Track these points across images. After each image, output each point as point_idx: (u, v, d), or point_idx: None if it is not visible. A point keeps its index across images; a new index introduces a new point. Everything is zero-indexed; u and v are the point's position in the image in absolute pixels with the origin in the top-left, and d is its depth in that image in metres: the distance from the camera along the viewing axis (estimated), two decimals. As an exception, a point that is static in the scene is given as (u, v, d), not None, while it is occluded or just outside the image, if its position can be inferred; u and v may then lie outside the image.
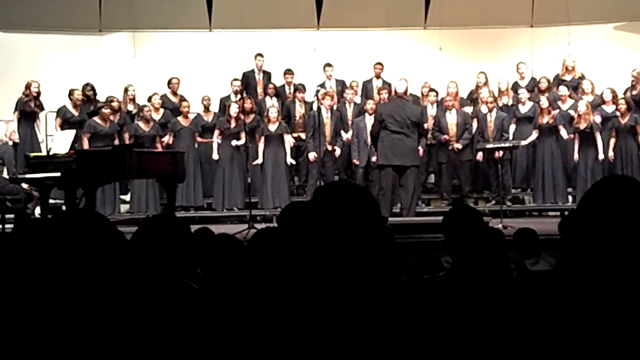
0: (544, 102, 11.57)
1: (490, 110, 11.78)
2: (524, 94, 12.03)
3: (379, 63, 12.87)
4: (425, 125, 10.97)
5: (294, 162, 11.89)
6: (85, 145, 10.92)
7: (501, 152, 10.97)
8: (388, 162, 9.88)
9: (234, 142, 11.61)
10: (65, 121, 11.41)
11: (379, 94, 12.01)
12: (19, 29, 13.15)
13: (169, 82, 12.51)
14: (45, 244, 2.26)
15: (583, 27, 13.53)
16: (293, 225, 3.33)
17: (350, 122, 12.07)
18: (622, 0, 13.52)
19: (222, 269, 3.54)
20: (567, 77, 12.52)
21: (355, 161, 11.76)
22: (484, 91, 12.10)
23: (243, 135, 11.53)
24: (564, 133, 11.49)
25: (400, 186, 10.17)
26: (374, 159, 11.53)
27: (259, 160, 11.69)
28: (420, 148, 11.67)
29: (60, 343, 2.09)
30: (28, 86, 11.52)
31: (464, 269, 3.20)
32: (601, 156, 11.30)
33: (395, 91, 10.58)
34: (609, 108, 11.61)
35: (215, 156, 11.72)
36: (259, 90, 12.74)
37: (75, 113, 11.56)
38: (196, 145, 11.93)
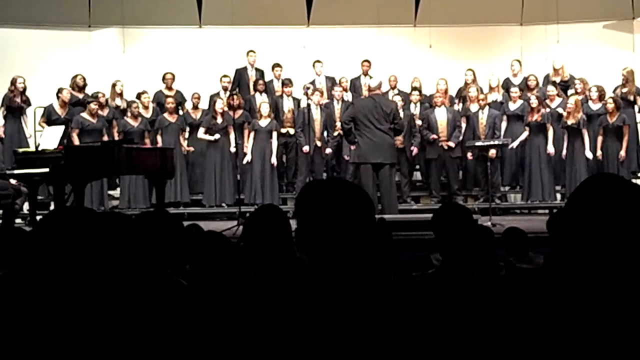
0: (533, 101, 11.58)
1: (482, 108, 11.79)
2: (515, 91, 12.05)
3: (366, 60, 12.92)
4: (399, 121, 10.89)
5: (275, 162, 11.82)
6: (75, 141, 10.90)
7: (493, 151, 11.03)
8: (366, 159, 9.85)
9: (232, 149, 11.56)
10: (52, 122, 11.23)
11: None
12: (7, 24, 13.08)
13: (163, 78, 12.50)
14: (40, 242, 2.26)
15: (572, 25, 13.56)
16: (261, 227, 3.34)
17: (338, 119, 12.07)
18: (611, -1, 13.59)
19: (210, 267, 3.53)
20: (556, 79, 12.56)
21: (346, 157, 11.74)
22: (472, 89, 12.11)
23: (231, 129, 11.55)
24: (551, 132, 11.52)
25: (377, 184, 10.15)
26: (346, 157, 11.54)
27: (248, 158, 11.68)
28: (414, 148, 11.72)
29: (51, 339, 2.08)
30: (13, 82, 11.47)
31: (453, 266, 3.21)
32: (588, 154, 11.35)
33: (368, 87, 10.57)
34: (595, 106, 11.66)
35: (212, 137, 11.65)
36: (251, 86, 12.73)
37: (62, 114, 11.47)
38: (184, 149, 11.90)
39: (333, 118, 12.01)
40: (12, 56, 12.77)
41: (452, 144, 11.73)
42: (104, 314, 2.16)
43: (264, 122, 11.76)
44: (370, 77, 12.54)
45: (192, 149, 11.89)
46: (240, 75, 12.78)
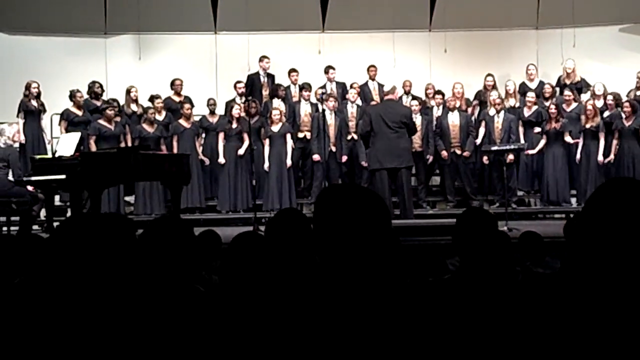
0: (553, 110, 11.56)
1: (498, 112, 11.78)
2: (531, 97, 12.03)
3: (372, 66, 12.95)
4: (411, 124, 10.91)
5: (290, 163, 11.83)
6: (93, 148, 10.97)
7: (511, 155, 11.03)
8: (382, 165, 9.82)
9: (240, 152, 11.61)
10: (70, 122, 11.44)
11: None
12: (25, 31, 13.18)
13: (172, 83, 12.54)
14: (57, 248, 2.26)
15: (588, 29, 13.50)
16: (282, 232, 3.33)
17: (352, 123, 12.05)
18: (627, 2, 13.49)
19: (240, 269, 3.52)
20: (568, 81, 12.53)
21: (364, 163, 11.71)
22: (494, 93, 12.07)
23: (246, 136, 11.58)
24: (568, 139, 11.51)
25: (393, 189, 10.13)
26: (363, 163, 11.50)
27: (267, 165, 11.70)
28: (429, 156, 11.71)
29: (67, 346, 2.09)
30: (28, 86, 11.57)
31: (471, 271, 3.19)
32: (600, 158, 11.32)
33: (383, 92, 10.57)
34: (610, 112, 11.63)
35: (221, 160, 11.72)
36: (265, 92, 12.76)
37: (79, 113, 11.60)
38: (200, 150, 11.93)
39: (346, 122, 12.02)
40: (28, 63, 12.84)
41: (467, 154, 11.76)
42: (119, 320, 2.16)
43: (276, 128, 11.77)
44: (380, 84, 12.54)
45: (207, 161, 11.92)
46: (253, 81, 12.81)
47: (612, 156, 11.36)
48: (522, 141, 11.64)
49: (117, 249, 2.26)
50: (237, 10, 13.67)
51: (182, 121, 11.83)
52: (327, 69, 12.83)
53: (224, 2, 13.73)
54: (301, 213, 3.62)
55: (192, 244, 2.82)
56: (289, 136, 11.81)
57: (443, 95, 12.40)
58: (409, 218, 9.98)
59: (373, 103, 12.06)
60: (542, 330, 1.90)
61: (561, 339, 1.86)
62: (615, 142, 11.38)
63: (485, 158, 11.80)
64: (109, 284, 2.21)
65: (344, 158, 11.90)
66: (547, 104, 11.93)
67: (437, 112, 12.20)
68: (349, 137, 11.96)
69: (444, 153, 11.76)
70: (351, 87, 12.51)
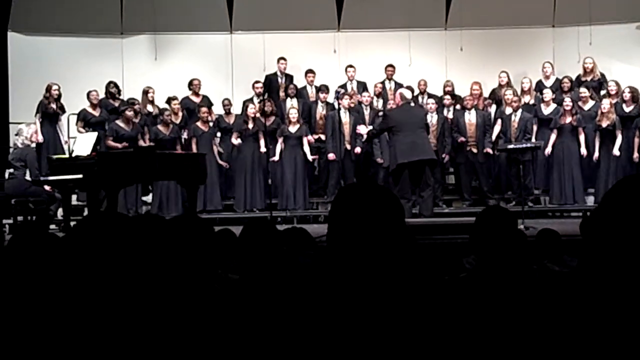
0: (568, 103, 11.50)
1: (515, 110, 11.73)
2: (548, 94, 11.96)
3: (390, 65, 12.93)
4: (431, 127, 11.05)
5: (310, 158, 11.86)
6: (111, 150, 11.04)
7: (528, 154, 11.00)
8: (408, 159, 9.87)
9: (262, 149, 11.62)
10: (87, 123, 11.51)
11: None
12: (41, 32, 13.23)
13: (190, 83, 12.57)
14: (74, 248, 2.28)
15: (605, 26, 13.41)
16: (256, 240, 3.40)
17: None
18: (644, -1, 13.41)
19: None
20: (587, 78, 12.45)
21: (379, 160, 11.71)
22: (509, 92, 12.01)
23: (261, 136, 11.60)
24: (582, 136, 11.45)
25: (417, 187, 10.14)
26: (379, 160, 11.54)
27: (276, 158, 11.69)
28: (445, 155, 11.73)
29: (82, 345, 2.10)
30: (48, 89, 11.63)
31: (489, 269, 3.18)
32: (616, 152, 11.24)
33: (404, 97, 10.63)
34: (628, 107, 11.54)
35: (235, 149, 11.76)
36: (281, 93, 12.77)
37: (96, 113, 11.67)
38: (217, 151, 11.95)
39: (363, 119, 12.00)
40: (45, 64, 12.91)
41: (489, 151, 11.75)
42: (136, 319, 2.17)
43: (293, 128, 11.79)
44: (397, 83, 12.52)
45: (226, 165, 11.95)
46: (271, 81, 12.83)
47: (636, 154, 11.28)
48: (538, 140, 11.58)
49: (134, 249, 2.27)
50: (252, 10, 13.69)
51: (199, 124, 11.87)
52: (347, 68, 12.83)
53: (239, 2, 13.75)
54: (271, 223, 3.75)
55: (211, 242, 2.83)
56: (305, 139, 11.81)
57: (454, 96, 12.37)
58: (428, 216, 10.00)
59: (389, 107, 11.98)
60: (559, 329, 1.89)
61: (578, 337, 1.85)
62: (637, 140, 11.31)
63: (497, 153, 11.82)
64: (125, 283, 2.22)
65: (358, 149, 11.87)
66: (564, 96, 11.88)
67: (447, 112, 12.14)
68: (363, 132, 11.95)
69: (462, 139, 11.72)
70: (374, 87, 12.50)
